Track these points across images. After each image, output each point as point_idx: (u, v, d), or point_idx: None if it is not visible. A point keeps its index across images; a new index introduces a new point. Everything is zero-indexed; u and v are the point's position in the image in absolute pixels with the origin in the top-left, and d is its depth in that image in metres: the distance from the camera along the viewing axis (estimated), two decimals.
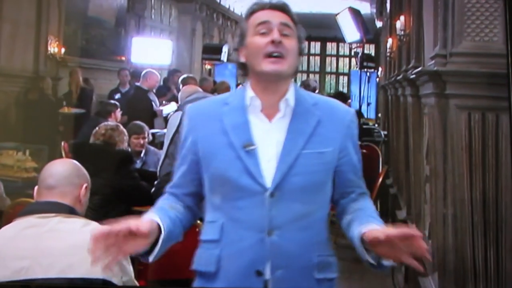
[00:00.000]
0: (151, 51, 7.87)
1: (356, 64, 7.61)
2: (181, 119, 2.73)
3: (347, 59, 12.02)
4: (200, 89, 3.74)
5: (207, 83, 6.05)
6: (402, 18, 4.82)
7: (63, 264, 1.70)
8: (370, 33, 7.50)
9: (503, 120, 2.59)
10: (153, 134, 4.25)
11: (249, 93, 1.56)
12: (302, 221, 1.50)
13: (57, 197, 1.83)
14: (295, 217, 1.50)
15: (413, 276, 3.35)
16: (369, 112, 7.61)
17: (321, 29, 10.60)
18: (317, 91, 5.89)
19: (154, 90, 5.70)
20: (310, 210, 1.52)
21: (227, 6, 11.19)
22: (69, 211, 1.82)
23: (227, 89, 5.38)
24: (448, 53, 2.78)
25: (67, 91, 6.41)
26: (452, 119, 2.72)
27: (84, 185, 1.90)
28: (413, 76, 3.50)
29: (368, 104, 7.45)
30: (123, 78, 6.30)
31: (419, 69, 3.34)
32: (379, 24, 8.86)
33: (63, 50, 6.77)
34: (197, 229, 1.77)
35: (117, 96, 5.90)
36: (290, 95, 1.55)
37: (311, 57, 12.16)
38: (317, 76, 11.91)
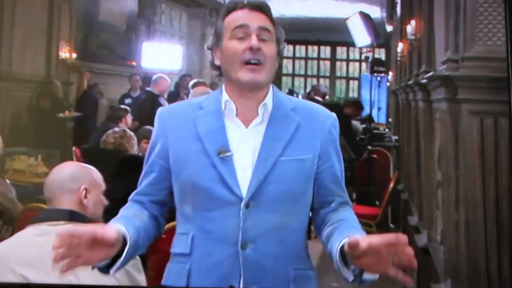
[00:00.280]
0: (162, 56, 7.90)
1: (367, 68, 7.59)
2: None
3: (357, 64, 11.97)
4: (211, 91, 3.71)
5: (217, 87, 6.06)
6: (412, 22, 4.79)
7: (71, 275, 1.68)
8: (380, 37, 7.48)
9: None
10: None
11: (224, 96, 1.47)
12: (279, 233, 1.41)
13: (63, 206, 1.82)
14: (271, 228, 1.40)
15: (426, 282, 3.32)
16: (380, 117, 7.59)
17: (331, 33, 10.58)
18: (327, 97, 5.88)
19: (165, 95, 5.73)
20: (287, 221, 1.43)
21: None
22: (79, 217, 1.80)
23: None
24: (460, 58, 2.77)
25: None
26: (464, 124, 2.70)
27: (82, 187, 1.85)
28: (425, 80, 3.48)
29: (379, 109, 7.43)
30: (134, 83, 6.33)
31: (431, 73, 3.32)
32: (389, 28, 8.83)
33: (74, 55, 6.81)
34: None
35: (128, 101, 5.93)
36: (269, 100, 1.47)
37: (321, 62, 12.14)
38: (327, 80, 11.88)
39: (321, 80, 11.84)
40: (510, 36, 2.13)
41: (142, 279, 1.80)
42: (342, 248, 1.28)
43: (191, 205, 1.43)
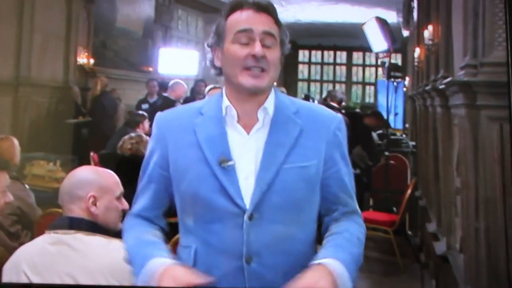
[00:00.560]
0: (178, 62, 7.94)
1: (383, 73, 7.54)
2: None
3: (373, 69, 11.93)
4: None
5: None
6: (430, 27, 4.76)
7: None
8: (397, 42, 7.44)
9: None
10: None
11: (225, 101, 1.39)
12: (284, 244, 1.34)
13: (73, 214, 1.79)
14: (276, 240, 1.33)
15: None
16: (397, 123, 7.53)
17: (347, 38, 10.55)
18: (343, 103, 5.85)
19: (181, 100, 5.75)
20: (292, 231, 1.35)
21: None
22: (89, 226, 1.76)
23: None
24: (479, 63, 2.74)
25: None
26: (484, 130, 2.67)
27: (89, 195, 1.79)
28: (442, 86, 3.45)
29: (396, 114, 7.37)
30: (152, 88, 6.37)
31: (449, 79, 3.29)
32: (405, 33, 8.78)
33: (91, 61, 6.88)
34: None
35: (145, 106, 5.96)
36: (269, 103, 1.39)
37: (337, 67, 12.11)
38: (343, 86, 11.85)
39: (337, 86, 11.81)
40: (511, 37, 2.09)
41: None
42: None
43: (192, 216, 1.36)
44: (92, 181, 1.82)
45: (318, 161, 1.38)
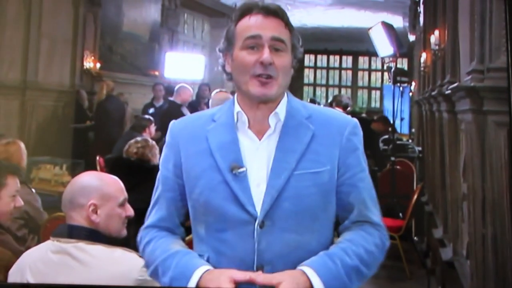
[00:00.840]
0: (184, 66, 7.96)
1: (389, 78, 7.53)
2: None
3: (379, 73, 11.92)
4: (231, 96, 3.60)
5: None
6: (436, 32, 4.75)
7: None
8: (403, 47, 7.43)
9: None
10: None
11: (236, 107, 1.38)
12: (297, 254, 1.30)
13: (74, 221, 1.77)
14: (288, 249, 1.30)
15: None
16: (403, 128, 7.51)
17: (353, 43, 10.55)
18: (349, 108, 5.84)
19: (187, 104, 5.76)
20: (305, 240, 1.32)
21: None
22: (90, 234, 1.75)
23: None
24: (486, 68, 2.73)
25: None
26: (491, 136, 2.66)
27: (90, 203, 1.76)
28: (449, 91, 3.44)
29: (402, 119, 7.35)
30: (158, 92, 6.38)
31: (455, 84, 3.28)
32: (412, 38, 8.77)
33: (98, 65, 6.91)
34: None
35: (151, 110, 5.98)
36: (281, 109, 1.37)
37: (343, 71, 12.11)
38: (348, 90, 11.84)
39: (343, 90, 11.80)
40: (511, 39, 2.08)
41: None
42: None
43: (204, 225, 1.35)
44: (94, 188, 1.79)
45: (332, 167, 1.35)
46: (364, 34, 7.63)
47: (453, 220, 3.63)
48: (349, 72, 12.14)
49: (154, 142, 3.34)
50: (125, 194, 1.87)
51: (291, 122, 1.36)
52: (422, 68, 6.15)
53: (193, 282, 1.27)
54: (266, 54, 1.31)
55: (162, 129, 4.94)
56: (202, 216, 1.35)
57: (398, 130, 7.36)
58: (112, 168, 3.41)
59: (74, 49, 6.45)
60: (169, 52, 8.26)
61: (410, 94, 8.22)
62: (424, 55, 6.02)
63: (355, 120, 1.42)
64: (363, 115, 6.29)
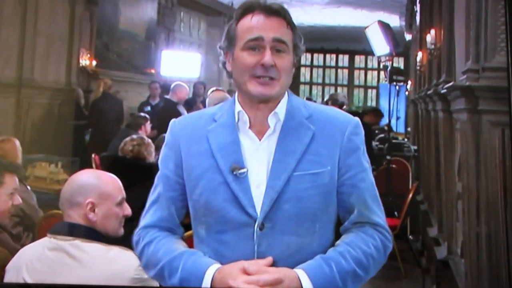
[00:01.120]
0: (180, 64, 7.96)
1: (385, 77, 7.55)
2: None
3: (375, 72, 11.93)
4: (229, 96, 3.48)
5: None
6: (432, 31, 4.76)
7: None
8: (399, 46, 7.44)
9: None
10: None
11: (237, 107, 1.36)
12: (298, 257, 1.29)
13: (72, 220, 1.78)
14: (289, 252, 1.29)
15: None
16: (399, 126, 7.52)
17: (349, 42, 10.56)
18: (345, 106, 5.85)
19: (183, 103, 5.76)
20: (306, 242, 1.31)
21: None
22: (87, 233, 1.75)
23: None
24: (481, 68, 2.74)
25: None
26: (486, 135, 2.67)
27: (88, 201, 1.77)
28: (444, 91, 3.45)
29: (398, 118, 7.36)
30: (154, 91, 6.37)
31: (451, 84, 3.29)
32: (408, 37, 8.78)
33: (94, 63, 6.90)
34: None
35: (147, 108, 5.97)
36: (281, 108, 1.35)
37: (339, 70, 12.12)
38: (345, 89, 11.85)
39: (339, 89, 11.82)
40: (511, 39, 2.09)
41: None
42: None
43: (204, 226, 1.34)
44: (92, 187, 1.78)
45: (332, 168, 1.33)
46: (360, 33, 7.64)
47: (448, 219, 3.64)
48: (346, 71, 12.15)
49: (149, 140, 3.33)
50: (123, 193, 1.87)
51: (291, 122, 1.35)
52: (418, 67, 6.16)
53: (206, 282, 1.26)
54: (267, 57, 1.30)
55: (158, 127, 4.94)
56: (203, 217, 1.34)
57: (394, 129, 7.38)
58: (107, 166, 3.41)
59: (70, 47, 6.43)
60: (166, 50, 8.25)
61: (406, 93, 8.23)
62: (420, 54, 6.03)
63: (357, 119, 1.40)
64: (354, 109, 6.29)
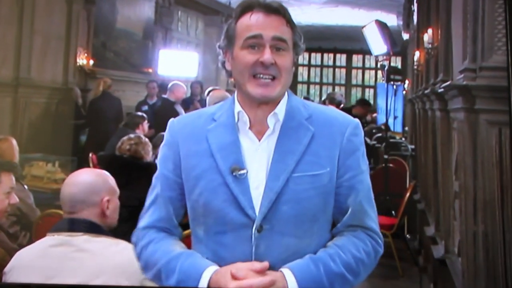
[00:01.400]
0: (178, 64, 7.95)
1: (383, 76, 7.54)
2: None
3: (373, 72, 11.94)
4: (229, 95, 3.51)
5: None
6: (429, 31, 4.77)
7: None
8: (397, 45, 7.44)
9: None
10: None
11: (237, 107, 1.35)
12: (296, 258, 1.28)
13: (82, 217, 1.81)
14: (288, 254, 1.28)
15: None
16: (396, 126, 7.52)
17: (347, 41, 10.57)
18: (342, 105, 5.85)
19: (181, 102, 5.76)
20: (304, 243, 1.30)
21: None
22: (96, 229, 1.79)
23: None
24: (478, 67, 2.74)
25: None
26: (483, 134, 2.67)
27: (105, 199, 1.83)
28: (442, 90, 3.45)
29: (395, 118, 7.36)
30: (151, 90, 6.37)
31: (448, 83, 3.29)
32: (406, 36, 8.79)
33: (91, 62, 6.89)
34: None
35: (145, 108, 5.96)
36: (280, 108, 1.34)
37: (336, 70, 12.12)
38: (342, 88, 11.86)
39: (337, 88, 11.83)
40: (511, 41, 2.09)
41: None
42: None
43: (203, 227, 1.33)
44: (103, 185, 1.85)
45: (331, 169, 1.32)
46: (358, 32, 7.64)
47: (445, 218, 3.64)
48: (343, 70, 12.16)
49: (147, 139, 3.33)
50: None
51: (291, 123, 1.33)
52: (415, 67, 6.17)
53: (203, 284, 1.25)
54: (267, 55, 1.28)
55: (156, 126, 4.94)
56: (202, 218, 1.33)
57: (392, 128, 7.38)
58: (104, 165, 3.40)
59: (68, 46, 6.42)
60: (163, 49, 8.24)
61: (404, 92, 8.24)
62: (417, 54, 6.04)
63: (357, 120, 1.39)
64: (342, 105, 6.23)
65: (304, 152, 1.30)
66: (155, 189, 1.41)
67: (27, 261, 1.75)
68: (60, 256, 1.72)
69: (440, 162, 3.88)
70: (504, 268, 2.55)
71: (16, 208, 2.79)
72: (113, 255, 1.72)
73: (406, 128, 7.71)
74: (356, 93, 12.02)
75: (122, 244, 1.75)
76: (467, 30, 2.91)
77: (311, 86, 12.10)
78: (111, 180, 1.91)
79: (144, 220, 1.41)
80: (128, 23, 7.81)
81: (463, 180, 2.88)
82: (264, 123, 1.33)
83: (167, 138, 1.40)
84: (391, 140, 6.35)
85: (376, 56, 7.92)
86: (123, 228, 2.34)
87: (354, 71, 12.14)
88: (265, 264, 1.25)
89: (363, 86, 12.05)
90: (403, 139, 7.20)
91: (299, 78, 11.84)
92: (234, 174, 1.29)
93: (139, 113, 4.91)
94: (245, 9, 1.33)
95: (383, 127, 6.38)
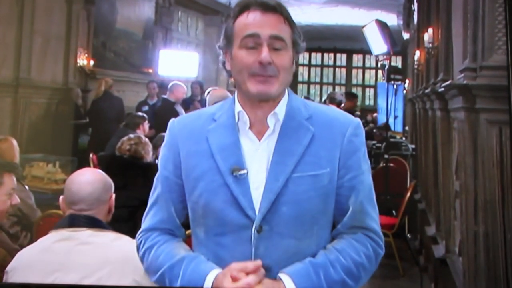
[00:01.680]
0: (178, 64, 7.95)
1: (383, 76, 7.54)
2: None
3: (373, 71, 11.95)
4: (229, 94, 3.37)
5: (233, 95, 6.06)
6: (430, 30, 4.76)
7: (93, 278, 1.70)
8: (397, 45, 7.44)
9: None
10: None
11: (237, 107, 1.34)
12: (296, 259, 1.27)
13: (89, 214, 1.85)
14: (287, 255, 1.26)
15: None
16: (396, 125, 7.52)
17: (347, 41, 10.57)
18: (342, 105, 5.85)
19: (181, 102, 5.75)
20: (306, 245, 1.28)
21: None
22: (99, 224, 1.83)
23: None
24: (478, 67, 2.73)
25: None
26: (483, 134, 2.67)
27: (113, 196, 1.92)
28: (442, 89, 3.45)
29: (395, 117, 7.35)
30: (151, 90, 6.36)
31: (448, 82, 3.29)
32: (406, 36, 8.79)
33: (91, 62, 6.89)
34: None
35: (145, 108, 5.96)
36: (280, 108, 1.32)
37: (337, 69, 12.13)
38: (343, 88, 11.87)
39: (337, 88, 11.83)
40: (511, 41, 2.08)
41: None
42: None
43: (203, 228, 1.31)
44: (109, 182, 1.93)
45: (332, 170, 1.30)
46: (358, 32, 7.64)
47: (445, 218, 3.64)
48: (343, 70, 12.17)
49: (147, 140, 3.32)
50: None
51: (291, 123, 1.32)
52: (415, 66, 6.16)
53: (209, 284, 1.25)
54: (264, 54, 1.26)
55: (156, 126, 4.94)
56: (202, 219, 1.32)
57: (392, 128, 7.38)
58: (104, 165, 3.39)
59: (68, 46, 6.43)
60: (163, 49, 8.25)
61: (404, 92, 8.24)
62: (417, 53, 6.03)
63: (358, 120, 1.37)
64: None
65: (304, 152, 1.29)
66: (156, 190, 1.40)
67: (29, 258, 1.76)
68: (64, 250, 1.75)
69: (441, 161, 3.88)
70: (505, 267, 2.55)
71: (17, 208, 2.79)
72: (118, 247, 1.76)
73: (407, 128, 7.71)
74: (356, 93, 12.02)
75: (125, 237, 1.80)
76: (467, 29, 2.90)
77: (312, 86, 12.11)
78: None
79: (147, 222, 1.41)
80: (128, 23, 7.81)
81: (464, 179, 2.88)
82: (264, 123, 1.32)
83: (167, 139, 1.39)
84: (392, 139, 6.35)
85: (377, 56, 7.92)
86: (123, 228, 2.35)
87: (354, 71, 12.15)
88: (258, 262, 1.24)
89: (364, 86, 12.05)
90: (404, 138, 7.20)
91: (300, 78, 11.84)
92: (234, 174, 1.28)
93: (140, 114, 4.91)
94: (242, 8, 1.32)
95: (383, 126, 6.38)
